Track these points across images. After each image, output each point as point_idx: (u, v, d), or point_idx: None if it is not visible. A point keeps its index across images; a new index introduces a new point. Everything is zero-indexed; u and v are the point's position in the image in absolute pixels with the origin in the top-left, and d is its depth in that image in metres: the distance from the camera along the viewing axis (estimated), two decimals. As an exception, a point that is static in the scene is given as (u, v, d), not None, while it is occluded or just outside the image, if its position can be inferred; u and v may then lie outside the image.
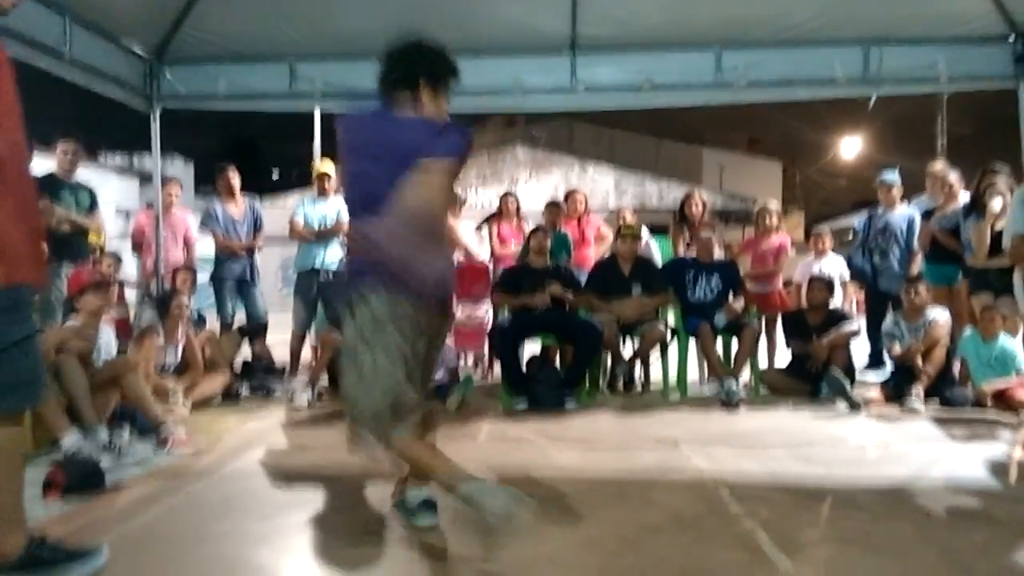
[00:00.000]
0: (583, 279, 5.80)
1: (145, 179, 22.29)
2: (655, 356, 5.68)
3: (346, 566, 2.29)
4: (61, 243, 5.07)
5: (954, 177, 5.80)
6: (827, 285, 5.73)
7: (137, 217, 7.28)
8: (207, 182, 25.88)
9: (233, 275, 6.22)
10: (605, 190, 22.66)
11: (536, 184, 22.08)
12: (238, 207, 6.36)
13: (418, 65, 2.44)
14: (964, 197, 5.75)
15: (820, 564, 2.24)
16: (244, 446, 3.93)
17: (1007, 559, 2.28)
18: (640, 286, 5.61)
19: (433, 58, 2.47)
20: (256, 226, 6.41)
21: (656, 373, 5.74)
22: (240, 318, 6.38)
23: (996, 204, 4.99)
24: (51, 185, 5.26)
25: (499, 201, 6.95)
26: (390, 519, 2.72)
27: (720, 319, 5.46)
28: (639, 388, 5.73)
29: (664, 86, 5.98)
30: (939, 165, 6.26)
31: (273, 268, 17.69)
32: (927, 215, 5.96)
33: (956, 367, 5.13)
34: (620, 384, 5.54)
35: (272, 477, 3.32)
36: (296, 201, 6.73)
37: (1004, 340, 4.85)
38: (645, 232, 6.15)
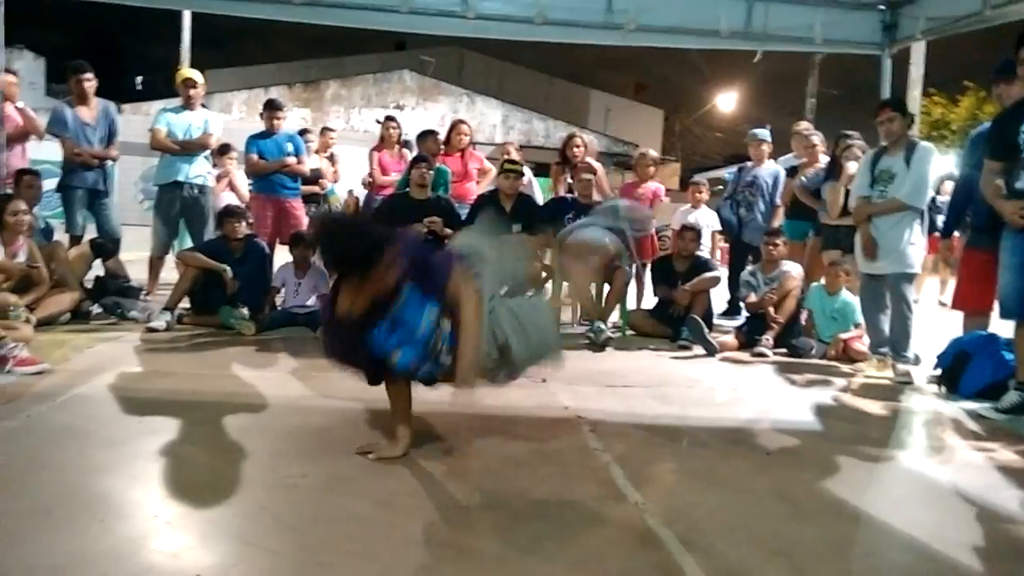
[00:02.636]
0: (464, 213, 5.75)
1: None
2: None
3: (198, 497, 2.22)
4: None
5: (817, 139, 6.13)
6: (696, 234, 5.96)
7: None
8: (61, 81, 23.60)
9: (84, 184, 5.72)
10: (492, 124, 22.51)
11: (423, 112, 21.61)
12: (91, 111, 5.81)
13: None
14: (825, 159, 6.10)
15: (667, 497, 2.38)
16: (93, 369, 3.70)
17: (831, 496, 2.50)
18: (521, 224, 5.63)
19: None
20: (111, 133, 5.89)
21: (529, 310, 5.82)
22: (92, 232, 5.92)
23: (851, 167, 5.33)
24: None
25: (380, 127, 6.73)
26: (249, 447, 2.65)
27: (594, 261, 5.58)
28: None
29: (556, 22, 5.92)
30: (804, 125, 6.61)
31: (133, 179, 16.54)
32: (791, 172, 6.29)
33: (803, 317, 5.51)
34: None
35: (123, 403, 3.15)
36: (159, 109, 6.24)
37: (846, 295, 5.24)
38: (528, 170, 6.15)
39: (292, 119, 6.29)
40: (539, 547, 1.97)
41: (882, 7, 6.12)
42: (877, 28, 6.20)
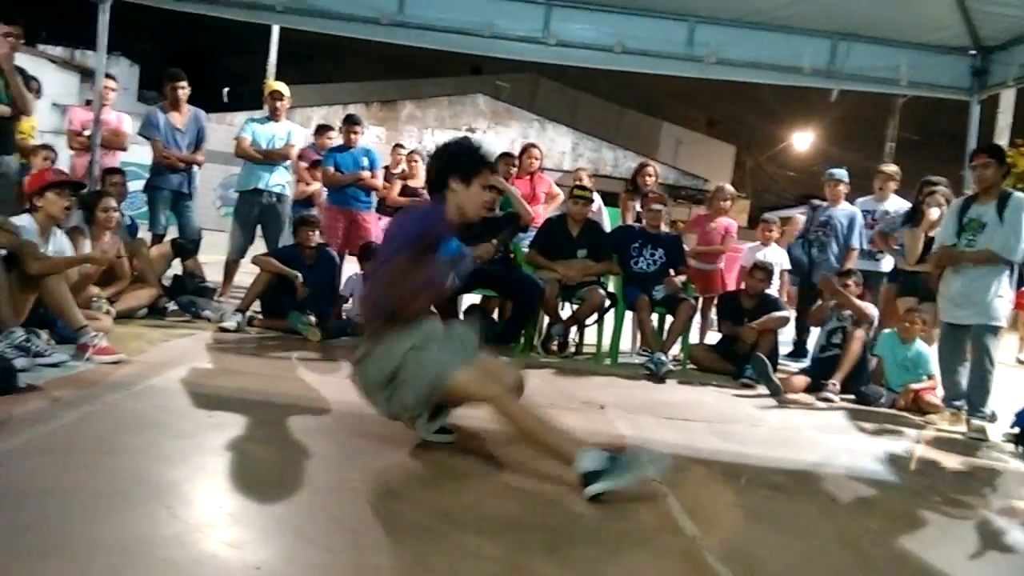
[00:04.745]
0: (531, 236, 5.80)
1: (86, 75, 21.16)
2: (591, 321, 5.74)
3: (260, 492, 2.27)
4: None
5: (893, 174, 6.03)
6: (767, 273, 5.85)
7: (73, 113, 6.89)
8: (151, 87, 24.71)
9: (170, 186, 5.98)
10: (562, 151, 22.64)
11: (494, 136, 21.89)
12: (182, 117, 6.09)
13: (445, 166, 2.92)
14: (897, 201, 5.98)
15: (725, 534, 2.32)
16: (167, 363, 3.83)
17: (898, 547, 2.41)
18: (586, 250, 5.64)
19: (457, 155, 2.94)
20: (199, 139, 6.15)
21: (590, 338, 5.81)
22: (173, 232, 6.16)
23: (934, 213, 5.18)
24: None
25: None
26: (313, 449, 2.70)
27: (659, 292, 5.54)
28: (572, 350, 5.79)
29: (635, 51, 5.94)
30: (893, 167, 6.43)
31: (212, 186, 17.18)
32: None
33: (872, 364, 5.34)
34: (554, 345, 5.59)
35: (194, 397, 3.25)
36: (244, 119, 6.49)
37: (920, 344, 5.07)
38: (597, 197, 6.16)
39: (368, 136, 6.46)
40: (593, 571, 1.95)
41: (973, 52, 5.96)
42: (966, 73, 6.03)
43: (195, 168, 6.19)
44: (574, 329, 5.81)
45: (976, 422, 4.31)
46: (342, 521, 2.11)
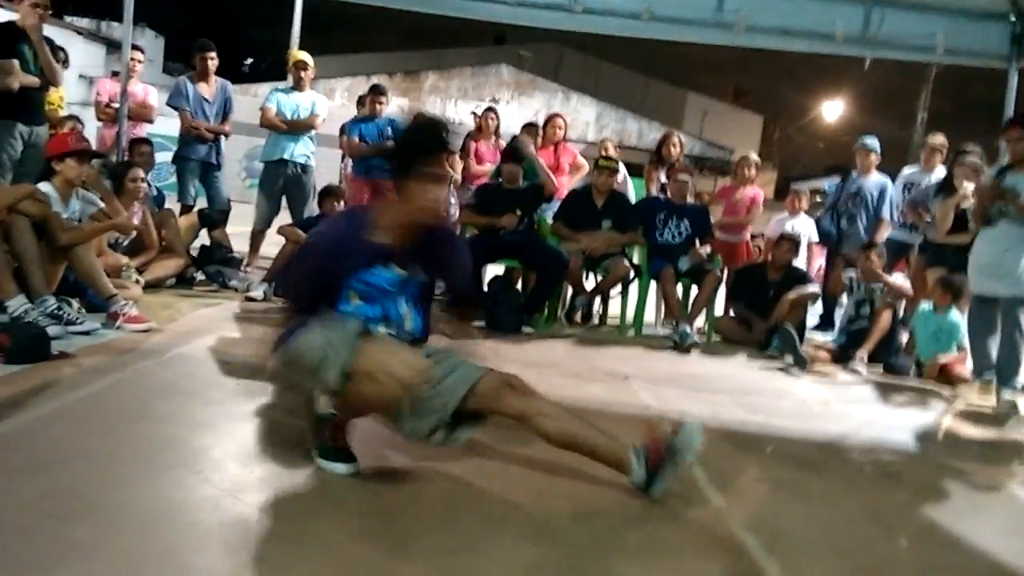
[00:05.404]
0: (555, 207, 5.76)
1: (112, 47, 21.24)
2: (615, 292, 5.72)
3: (290, 459, 2.30)
4: (15, 101, 4.75)
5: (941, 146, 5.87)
6: (794, 244, 5.78)
7: (100, 84, 6.93)
8: (177, 59, 24.77)
9: (197, 156, 6.02)
10: (586, 122, 22.43)
11: (517, 106, 21.73)
12: (210, 88, 6.10)
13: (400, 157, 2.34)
14: (943, 172, 5.82)
15: (751, 504, 2.32)
16: (195, 331, 3.88)
17: (925, 519, 2.39)
18: (611, 221, 5.60)
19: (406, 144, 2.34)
20: (226, 110, 6.17)
21: (614, 309, 5.79)
22: (200, 202, 6.21)
23: (966, 187, 5.07)
24: (10, 38, 4.92)
25: (480, 117, 6.80)
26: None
27: (684, 263, 5.50)
28: (596, 322, 5.78)
29: (663, 18, 5.84)
30: (940, 138, 6.23)
31: (237, 157, 17.26)
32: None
33: (903, 336, 5.28)
34: (578, 316, 5.58)
35: (222, 365, 3.29)
36: (268, 90, 6.48)
37: (953, 314, 4.99)
38: (622, 168, 6.10)
39: (391, 107, 6.43)
40: (619, 538, 1.95)
41: (1012, 18, 5.77)
42: (1005, 39, 5.84)
43: (222, 139, 6.22)
44: (598, 300, 5.79)
45: (1007, 395, 4.24)
46: (370, 487, 2.13)
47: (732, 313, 5.91)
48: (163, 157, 6.41)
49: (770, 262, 5.80)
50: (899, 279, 5.30)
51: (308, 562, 1.69)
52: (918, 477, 2.81)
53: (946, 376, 4.81)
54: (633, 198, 6.34)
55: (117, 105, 6.08)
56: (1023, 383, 4.39)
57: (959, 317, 4.97)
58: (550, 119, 6.54)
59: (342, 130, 6.54)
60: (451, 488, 2.17)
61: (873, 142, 6.29)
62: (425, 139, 2.29)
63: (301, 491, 2.07)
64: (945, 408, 4.16)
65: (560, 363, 4.17)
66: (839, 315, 6.04)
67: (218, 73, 6.19)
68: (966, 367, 4.79)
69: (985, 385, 4.43)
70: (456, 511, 2.01)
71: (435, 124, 2.32)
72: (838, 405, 3.98)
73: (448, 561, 1.73)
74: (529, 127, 6.43)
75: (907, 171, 6.29)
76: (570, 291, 5.65)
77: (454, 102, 22.32)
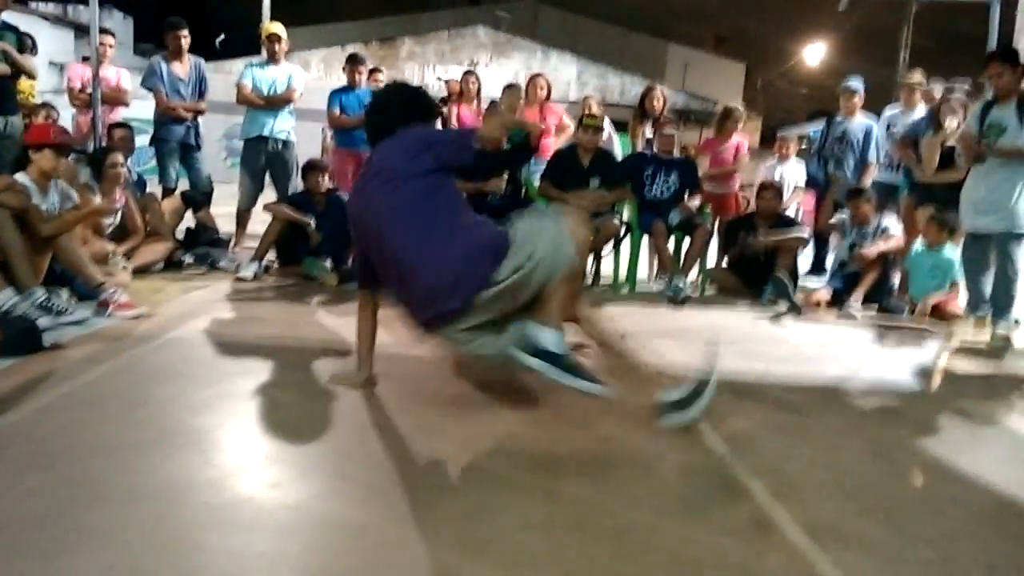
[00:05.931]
0: (542, 169, 5.71)
1: (81, 31, 20.80)
2: (607, 250, 5.70)
3: (293, 434, 2.29)
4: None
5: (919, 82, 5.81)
6: (777, 192, 5.74)
7: (71, 70, 6.78)
8: (148, 40, 24.25)
9: (176, 138, 5.92)
10: (567, 80, 22.18)
11: (497, 68, 21.46)
12: (184, 67, 5.98)
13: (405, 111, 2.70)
14: (925, 111, 5.78)
15: (756, 451, 2.33)
16: (187, 314, 3.85)
17: (927, 456, 2.41)
18: (599, 179, 5.55)
19: (418, 98, 2.77)
20: (201, 88, 6.06)
21: (607, 267, 5.78)
22: (183, 185, 6.13)
23: (951, 122, 5.05)
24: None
25: (460, 81, 6.70)
26: (340, 390, 2.72)
27: (674, 216, 5.47)
28: (589, 281, 5.77)
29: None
30: (918, 76, 6.20)
31: (216, 137, 17.02)
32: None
33: (897, 277, 5.30)
34: (571, 275, 5.55)
35: (217, 346, 3.27)
36: (243, 66, 6.35)
37: (948, 250, 5.00)
38: (608, 124, 6.04)
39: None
40: (626, 492, 1.96)
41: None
42: (986, -30, 5.78)
43: (200, 118, 6.11)
44: (590, 259, 5.77)
45: (1001, 329, 4.28)
46: (376, 458, 2.13)
47: (725, 264, 5.90)
48: (141, 141, 6.30)
49: (757, 212, 5.76)
50: (890, 222, 5.29)
51: (314, 534, 1.69)
52: (918, 415, 2.84)
53: (940, 314, 4.83)
54: (620, 155, 6.29)
55: (91, 90, 5.96)
56: (1016, 317, 4.43)
57: (954, 254, 4.99)
58: (532, 79, 6.45)
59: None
60: (456, 453, 2.17)
61: (856, 84, 6.23)
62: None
63: (305, 466, 2.07)
64: (941, 345, 4.19)
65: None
66: (830, 260, 6.05)
67: (190, 51, 6.06)
68: (959, 304, 4.82)
69: (980, 321, 4.46)
70: (462, 475, 2.02)
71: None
72: (835, 348, 4.00)
73: (457, 526, 1.74)
74: (511, 88, 6.34)
75: (888, 111, 6.25)
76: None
77: (432, 67, 22.03)
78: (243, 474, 1.98)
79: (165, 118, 5.90)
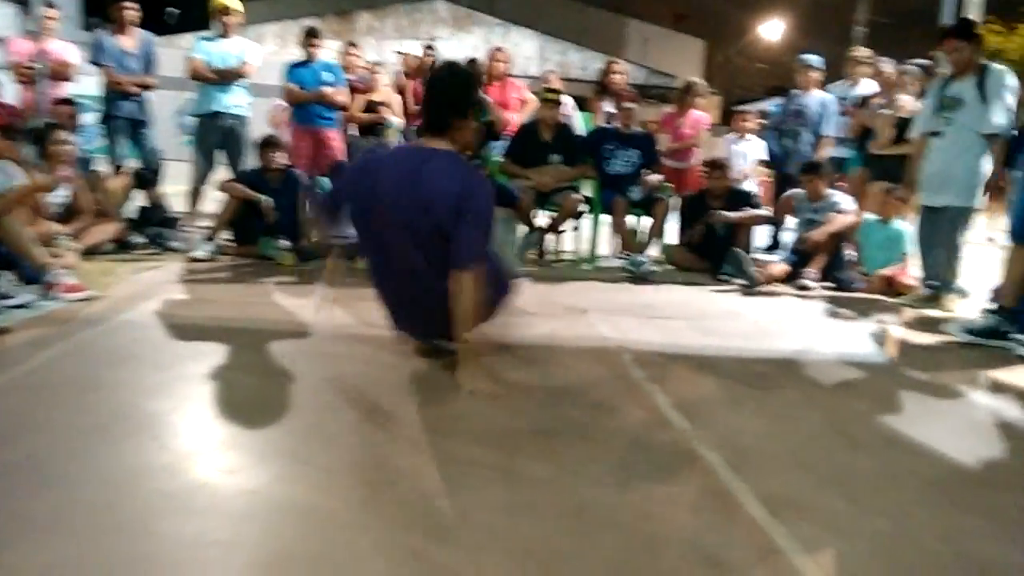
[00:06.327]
0: (502, 146, 5.67)
1: (24, 4, 19.96)
2: (569, 226, 5.69)
3: (249, 418, 2.25)
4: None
5: (886, 66, 5.86)
6: (723, 169, 5.68)
7: (13, 44, 6.50)
8: (96, 14, 23.43)
9: (125, 113, 5.73)
10: (527, 56, 22.05)
11: (456, 43, 21.21)
12: (131, 40, 5.77)
13: (462, 99, 2.66)
14: (869, 85, 5.90)
15: (714, 425, 2.36)
16: (139, 296, 3.75)
17: (885, 427, 2.46)
18: (560, 155, 5.53)
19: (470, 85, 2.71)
20: (149, 61, 5.86)
21: (569, 244, 5.78)
22: (133, 163, 5.94)
23: (903, 97, 5.13)
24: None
25: (416, 56, 6.59)
26: (296, 372, 2.68)
27: (635, 193, 5.48)
28: (551, 258, 5.77)
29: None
30: (863, 51, 6.32)
31: (170, 113, 16.57)
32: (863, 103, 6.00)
33: (850, 251, 5.38)
34: (533, 253, 5.55)
35: (169, 328, 3.19)
36: (194, 40, 6.16)
37: (899, 224, 5.10)
38: (568, 99, 6.01)
39: (326, 51, 6.12)
40: (587, 470, 1.97)
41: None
42: (939, -54, 5.85)
43: (150, 94, 5.93)
44: (552, 236, 5.76)
45: (948, 300, 4.38)
46: (335, 440, 2.10)
47: (682, 241, 5.91)
48: (87, 119, 6.09)
49: (708, 191, 5.71)
50: (845, 200, 5.36)
51: (272, 520, 1.66)
52: (874, 387, 2.89)
53: (892, 286, 4.93)
54: (581, 131, 6.27)
55: (35, 65, 5.74)
56: (963, 288, 4.54)
57: (904, 226, 5.08)
58: (492, 53, 6.39)
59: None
60: (416, 434, 2.15)
61: (813, 59, 6.28)
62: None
63: (263, 450, 2.03)
64: (894, 317, 4.28)
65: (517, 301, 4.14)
66: (785, 237, 6.12)
67: (141, 25, 5.86)
68: (910, 276, 4.92)
69: (932, 293, 4.56)
70: (423, 457, 2.00)
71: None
72: (791, 322, 4.06)
73: (418, 508, 1.72)
74: (470, 63, 6.25)
75: (833, 86, 6.34)
76: (524, 229, 5.60)
77: (390, 42, 21.68)
78: (198, 459, 1.94)
79: (113, 94, 5.70)
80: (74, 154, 4.81)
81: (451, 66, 2.77)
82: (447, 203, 2.50)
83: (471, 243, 2.53)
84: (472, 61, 6.22)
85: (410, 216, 2.54)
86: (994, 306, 3.71)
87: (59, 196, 4.64)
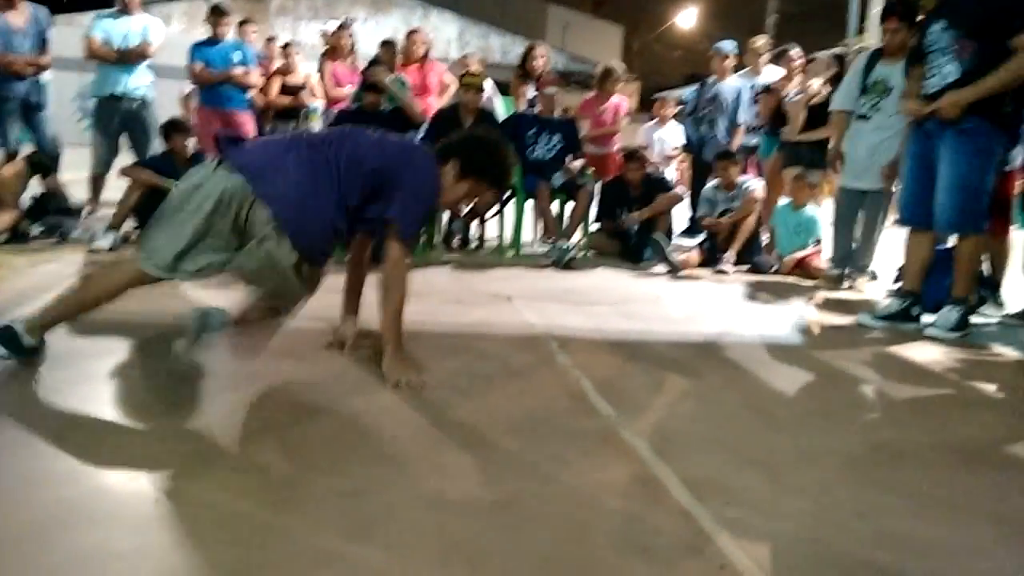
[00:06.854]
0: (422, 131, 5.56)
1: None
2: (491, 213, 5.65)
3: (155, 418, 2.13)
4: None
5: (794, 52, 6.02)
6: (640, 161, 5.76)
7: None
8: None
9: (16, 95, 5.34)
10: (448, 39, 21.81)
11: (375, 25, 20.78)
12: (20, 15, 5.38)
13: (477, 163, 2.66)
14: (772, 72, 6.07)
15: (639, 411, 2.36)
16: (35, 291, 3.50)
17: (800, 407, 2.53)
18: (480, 140, 5.46)
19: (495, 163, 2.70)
20: (43, 40, 5.48)
21: (492, 231, 5.74)
22: (27, 148, 5.57)
23: (814, 84, 5.28)
24: None
25: (333, 36, 6.40)
26: (206, 364, 2.55)
27: (558, 179, 5.48)
28: (474, 245, 5.72)
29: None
30: (762, 40, 6.52)
31: (70, 97, 15.70)
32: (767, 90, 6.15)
33: (765, 235, 5.53)
34: (456, 240, 5.49)
35: (70, 324, 2.98)
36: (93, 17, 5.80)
37: (810, 209, 5.26)
38: (489, 84, 5.94)
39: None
40: (515, 461, 1.93)
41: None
42: (846, -62, 6.03)
43: (44, 74, 5.55)
44: (475, 223, 5.71)
45: (860, 282, 4.55)
46: (248, 439, 2.00)
47: (603, 228, 5.95)
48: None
49: (626, 182, 5.76)
50: (755, 184, 5.49)
51: (181, 527, 1.56)
52: (790, 367, 2.96)
53: (805, 269, 5.09)
54: (503, 116, 6.21)
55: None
56: (872, 270, 4.73)
57: (815, 212, 5.25)
58: (409, 35, 6.26)
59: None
60: (336, 430, 2.08)
61: (727, 46, 6.41)
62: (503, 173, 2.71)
63: (169, 453, 1.91)
64: (807, 299, 4.41)
65: (440, 290, 4.09)
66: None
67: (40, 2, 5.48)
68: (821, 259, 5.09)
69: (840, 275, 4.72)
70: (343, 453, 1.93)
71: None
72: (710, 307, 4.13)
73: (339, 506, 1.66)
74: (387, 45, 6.12)
75: (737, 75, 6.50)
76: (446, 216, 5.53)
77: (305, 23, 21.09)
78: (100, 465, 1.81)
79: (3, 74, 5.31)
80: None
81: (491, 138, 2.79)
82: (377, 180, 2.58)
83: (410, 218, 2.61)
84: (387, 43, 6.09)
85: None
86: (900, 288, 3.86)
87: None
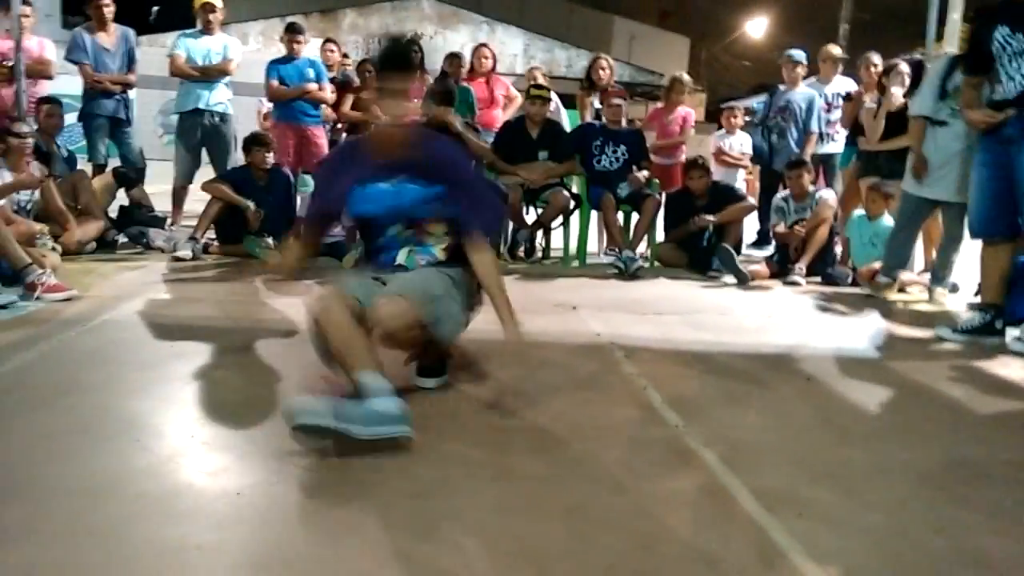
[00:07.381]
0: (490, 140, 5.63)
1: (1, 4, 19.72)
2: (557, 223, 5.65)
3: (232, 419, 2.20)
4: None
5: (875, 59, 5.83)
6: (704, 169, 5.64)
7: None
8: (76, 12, 23.16)
9: (105, 112, 5.64)
10: (513, 54, 21.99)
11: (442, 41, 21.11)
12: (110, 37, 5.69)
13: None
14: (842, 82, 5.89)
15: (707, 421, 2.33)
16: (122, 296, 3.68)
17: (872, 418, 2.45)
18: (547, 151, 5.49)
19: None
20: (130, 59, 5.77)
21: (557, 241, 5.74)
22: (114, 162, 5.86)
23: (895, 92, 5.11)
24: None
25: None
26: (281, 372, 2.63)
27: (623, 189, 5.45)
28: (540, 255, 5.73)
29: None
30: (836, 49, 6.36)
31: (152, 113, 16.42)
32: (847, 98, 6.00)
33: (838, 246, 5.38)
34: (521, 250, 5.51)
35: (152, 328, 3.13)
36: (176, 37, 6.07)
37: (886, 219, 5.08)
38: (555, 96, 5.97)
39: (311, 48, 6.07)
40: (581, 468, 1.93)
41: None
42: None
43: (131, 92, 5.84)
44: (540, 233, 5.72)
45: (939, 294, 4.38)
46: (320, 440, 2.04)
47: (669, 239, 5.85)
48: (69, 119, 5.99)
49: (691, 191, 5.65)
50: (827, 194, 5.35)
51: (257, 522, 1.61)
52: (864, 380, 2.87)
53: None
54: (568, 128, 6.23)
55: (11, 63, 5.63)
56: (954, 282, 4.54)
57: (891, 222, 5.07)
58: (476, 49, 6.35)
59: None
60: (406, 433, 2.11)
61: (799, 54, 6.29)
62: (380, 57, 2.45)
63: (246, 451, 1.98)
64: (883, 311, 4.26)
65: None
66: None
67: (121, 22, 5.77)
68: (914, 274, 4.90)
69: (891, 284, 4.53)
70: (411, 455, 1.96)
71: (391, 42, 2.46)
72: (781, 318, 4.04)
73: (407, 507, 1.68)
74: (452, 58, 6.21)
75: (806, 83, 6.34)
76: (511, 226, 5.56)
77: (376, 40, 21.56)
78: (179, 461, 1.89)
79: (93, 92, 5.62)
80: (29, 148, 4.65)
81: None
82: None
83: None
84: (453, 55, 6.18)
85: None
86: (981, 301, 3.70)
87: (24, 194, 4.53)
